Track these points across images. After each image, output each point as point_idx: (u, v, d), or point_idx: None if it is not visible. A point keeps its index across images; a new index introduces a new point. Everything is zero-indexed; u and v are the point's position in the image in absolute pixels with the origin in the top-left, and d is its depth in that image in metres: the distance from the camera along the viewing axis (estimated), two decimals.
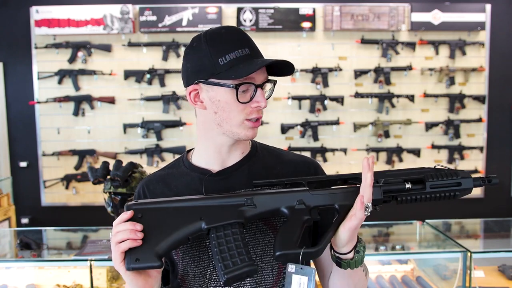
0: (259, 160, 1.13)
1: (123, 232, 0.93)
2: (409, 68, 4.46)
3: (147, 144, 4.51)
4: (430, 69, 4.49)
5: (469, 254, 2.32)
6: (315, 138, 4.48)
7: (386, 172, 1.01)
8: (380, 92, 4.50)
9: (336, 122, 4.48)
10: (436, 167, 1.01)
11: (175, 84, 4.46)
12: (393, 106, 4.51)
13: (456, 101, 4.53)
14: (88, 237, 2.89)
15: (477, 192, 4.56)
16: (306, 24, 4.42)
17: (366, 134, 4.57)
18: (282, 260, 0.94)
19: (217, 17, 4.38)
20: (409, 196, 0.98)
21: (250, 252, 0.95)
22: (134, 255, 0.92)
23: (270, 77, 1.05)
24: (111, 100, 4.45)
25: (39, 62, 4.47)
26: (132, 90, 4.47)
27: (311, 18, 4.42)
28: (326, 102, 4.46)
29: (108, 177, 2.31)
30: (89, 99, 4.43)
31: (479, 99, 4.54)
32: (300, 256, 0.92)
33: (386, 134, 4.52)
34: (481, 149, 4.61)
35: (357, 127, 4.51)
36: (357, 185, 0.98)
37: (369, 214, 0.94)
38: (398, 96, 4.47)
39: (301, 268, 0.94)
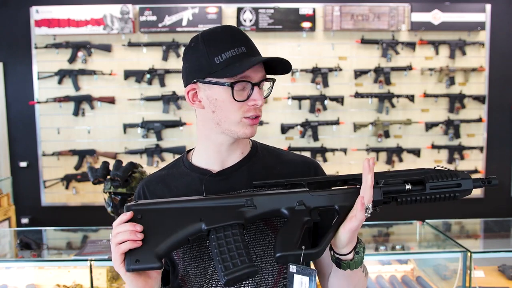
0: (259, 160, 1.13)
1: (123, 233, 0.93)
2: (409, 68, 4.46)
3: (147, 144, 4.51)
4: (430, 69, 4.49)
5: (469, 254, 2.32)
6: (315, 138, 4.48)
7: (386, 173, 1.01)
8: (380, 92, 4.50)
9: (336, 122, 4.48)
10: (436, 168, 1.01)
11: (175, 84, 4.46)
12: (393, 106, 4.51)
13: (456, 101, 4.53)
14: (88, 237, 2.89)
15: (477, 192, 4.56)
16: (306, 24, 4.42)
17: (366, 134, 4.57)
18: (282, 262, 0.94)
19: (217, 17, 4.38)
20: (409, 197, 0.98)
21: (250, 253, 0.95)
22: (134, 256, 0.92)
23: (268, 76, 1.05)
24: (111, 100, 4.45)
25: (39, 62, 4.47)
26: (132, 90, 4.47)
27: (311, 18, 4.42)
28: (326, 102, 4.46)
29: (108, 177, 2.31)
30: (89, 99, 4.43)
31: (479, 99, 4.54)
32: (301, 258, 0.92)
33: (386, 134, 4.52)
34: (481, 149, 4.61)
35: (357, 127, 4.51)
36: (357, 186, 0.98)
37: (369, 215, 0.95)
38: (398, 96, 4.48)
39: (302, 269, 0.94)
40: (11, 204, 4.27)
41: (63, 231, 3.35)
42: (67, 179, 4.50)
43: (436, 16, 4.45)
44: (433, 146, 4.57)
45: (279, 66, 1.03)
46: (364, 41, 4.46)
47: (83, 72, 4.42)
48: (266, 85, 1.06)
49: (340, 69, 4.47)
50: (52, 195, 4.57)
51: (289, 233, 0.94)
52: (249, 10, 4.40)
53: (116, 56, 4.46)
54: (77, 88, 4.44)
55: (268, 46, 4.46)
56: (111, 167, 2.33)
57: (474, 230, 3.24)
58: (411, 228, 3.08)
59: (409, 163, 4.57)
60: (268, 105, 4.49)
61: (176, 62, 4.45)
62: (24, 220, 4.55)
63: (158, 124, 4.43)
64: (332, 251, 1.01)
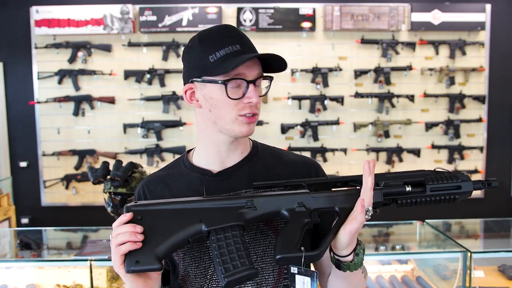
0: (259, 161, 1.12)
1: (123, 234, 0.92)
2: (409, 68, 4.45)
3: (147, 144, 4.51)
4: (430, 69, 4.49)
5: (469, 254, 2.32)
6: (315, 138, 4.48)
7: (386, 174, 1.01)
8: (380, 92, 4.49)
9: (336, 122, 4.48)
10: (436, 169, 1.01)
11: (175, 84, 4.46)
12: (393, 106, 4.51)
13: (456, 101, 4.53)
14: (88, 237, 2.89)
15: (477, 192, 4.53)
16: (306, 24, 4.42)
17: (366, 134, 4.57)
18: (282, 264, 0.94)
19: (217, 17, 4.38)
20: (409, 199, 0.98)
21: (250, 255, 0.95)
22: (134, 258, 0.92)
23: (265, 74, 1.05)
24: (111, 100, 4.45)
25: (39, 62, 4.46)
26: (132, 90, 4.47)
27: (311, 18, 4.42)
28: (326, 102, 4.46)
29: (108, 177, 2.32)
30: (89, 99, 4.43)
31: (479, 99, 4.54)
32: (302, 260, 0.92)
33: (386, 134, 4.52)
34: (481, 149, 4.61)
35: (357, 127, 4.51)
36: (358, 187, 0.98)
37: (369, 217, 0.95)
38: (398, 96, 4.47)
39: (304, 270, 0.95)
40: (11, 204, 4.27)
41: (63, 231, 3.35)
42: (67, 179, 4.50)
43: (436, 16, 4.45)
44: (433, 146, 4.57)
45: (275, 63, 1.03)
46: (364, 41, 4.46)
47: (83, 72, 4.42)
48: (265, 83, 1.05)
49: (340, 69, 4.47)
50: (52, 195, 4.57)
51: (289, 235, 0.94)
52: (249, 10, 4.40)
53: (116, 56, 4.46)
54: (77, 88, 4.44)
55: (268, 46, 4.46)
56: (111, 167, 2.33)
57: (474, 230, 3.24)
58: (411, 228, 3.08)
59: (409, 163, 4.57)
60: (268, 105, 4.49)
61: (176, 62, 4.45)
62: (24, 220, 4.55)
63: (158, 124, 4.43)
64: (332, 253, 1.01)
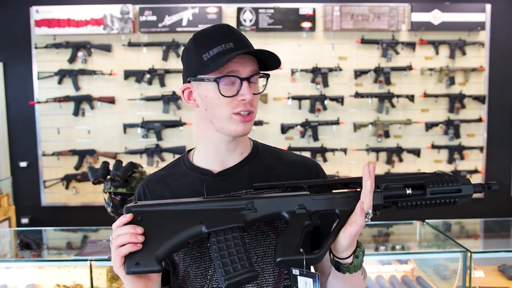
0: (260, 161, 1.12)
1: (124, 235, 0.92)
2: (409, 68, 4.45)
3: (147, 144, 4.51)
4: (430, 69, 4.49)
5: (469, 254, 2.32)
6: (315, 138, 4.48)
7: (386, 176, 1.00)
8: (380, 92, 4.49)
9: (336, 122, 4.48)
10: (436, 172, 1.01)
11: (175, 84, 4.46)
12: (393, 106, 4.51)
13: (456, 101, 4.53)
14: (88, 237, 2.89)
15: None
16: (306, 24, 4.42)
17: (366, 134, 4.57)
18: (283, 266, 0.94)
19: (217, 17, 4.38)
20: (410, 201, 0.98)
21: (250, 257, 0.95)
22: (134, 259, 0.91)
23: (261, 72, 1.04)
24: (111, 100, 4.44)
25: (39, 62, 4.46)
26: (132, 90, 4.47)
27: (311, 18, 4.42)
28: (326, 102, 4.46)
29: (108, 177, 2.31)
30: (89, 99, 4.43)
31: (479, 99, 4.54)
32: (302, 262, 0.92)
33: (386, 134, 4.52)
34: (481, 149, 4.61)
35: (357, 127, 4.51)
36: (358, 189, 0.98)
37: (369, 220, 0.95)
38: (398, 96, 4.47)
39: (305, 272, 0.95)
40: (11, 204, 4.27)
41: (63, 231, 3.35)
42: (67, 179, 4.50)
43: (436, 16, 4.44)
44: (433, 146, 4.57)
45: (270, 60, 1.02)
46: (364, 41, 4.46)
47: (83, 72, 4.42)
48: (261, 82, 1.05)
49: (340, 69, 4.47)
50: (52, 195, 4.57)
51: (289, 237, 0.94)
52: (249, 10, 4.40)
53: (116, 56, 4.46)
54: (77, 88, 4.44)
55: (268, 46, 4.44)
56: (111, 167, 2.33)
57: (474, 230, 3.24)
58: (411, 228, 3.08)
59: (409, 163, 4.57)
60: (268, 105, 4.49)
61: (176, 62, 4.45)
62: (24, 220, 4.55)
63: (158, 124, 4.43)
64: (331, 255, 1.01)
